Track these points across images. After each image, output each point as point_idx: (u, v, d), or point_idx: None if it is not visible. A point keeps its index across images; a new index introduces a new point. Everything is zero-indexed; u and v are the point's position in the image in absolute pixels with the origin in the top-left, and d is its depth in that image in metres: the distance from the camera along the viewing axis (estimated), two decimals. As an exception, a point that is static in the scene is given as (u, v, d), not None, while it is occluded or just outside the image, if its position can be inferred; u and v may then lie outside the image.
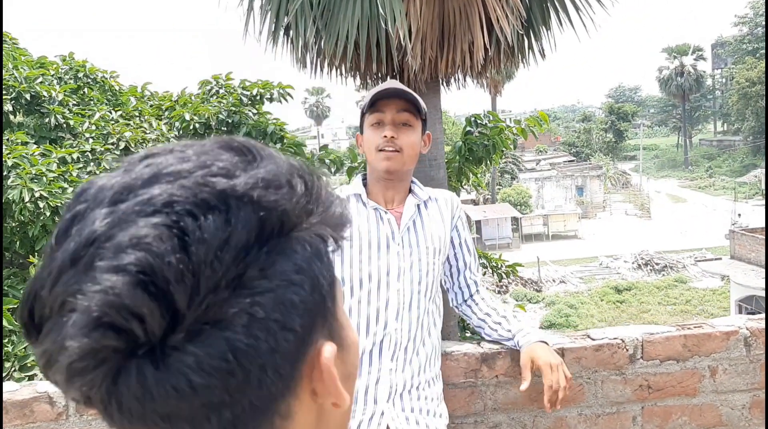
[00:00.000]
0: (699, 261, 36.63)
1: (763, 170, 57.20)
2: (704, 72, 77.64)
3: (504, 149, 7.52)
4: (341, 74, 6.39)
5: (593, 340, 2.00)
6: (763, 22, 68.10)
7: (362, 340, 1.82)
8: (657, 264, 37.00)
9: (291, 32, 6.27)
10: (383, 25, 5.42)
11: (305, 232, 0.55)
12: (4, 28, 8.37)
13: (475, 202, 47.77)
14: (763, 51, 62.05)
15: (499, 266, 8.77)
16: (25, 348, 5.63)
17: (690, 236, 43.03)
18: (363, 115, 2.04)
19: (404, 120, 1.95)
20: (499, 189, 51.03)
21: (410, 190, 2.06)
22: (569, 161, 65.33)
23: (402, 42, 5.46)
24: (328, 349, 0.56)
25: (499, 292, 31.92)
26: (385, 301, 1.87)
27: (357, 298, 1.87)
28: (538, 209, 50.47)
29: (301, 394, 0.56)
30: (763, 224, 26.40)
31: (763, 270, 21.57)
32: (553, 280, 36.43)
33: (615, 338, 1.98)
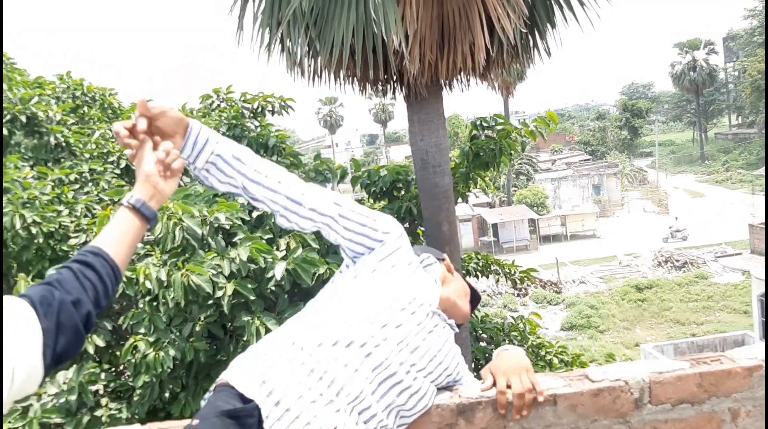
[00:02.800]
0: (719, 256, 36.11)
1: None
2: (717, 66, 76.76)
3: (512, 152, 7.30)
4: (339, 82, 6.20)
5: (592, 381, 1.69)
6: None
7: (352, 332, 1.67)
8: (677, 261, 36.48)
9: (286, 41, 6.10)
10: (377, 31, 5.23)
11: None
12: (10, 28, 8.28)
13: (491, 205, 47.39)
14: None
15: (513, 273, 8.53)
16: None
17: (709, 231, 42.43)
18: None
19: None
20: (515, 190, 50.60)
21: None
22: (585, 160, 64.75)
23: (398, 47, 5.26)
24: None
25: (518, 296, 31.59)
26: (397, 324, 1.72)
27: (386, 312, 1.74)
28: (556, 210, 49.98)
29: None
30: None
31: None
32: (573, 281, 36.03)
33: (617, 380, 1.67)
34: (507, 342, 8.08)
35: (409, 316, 1.76)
